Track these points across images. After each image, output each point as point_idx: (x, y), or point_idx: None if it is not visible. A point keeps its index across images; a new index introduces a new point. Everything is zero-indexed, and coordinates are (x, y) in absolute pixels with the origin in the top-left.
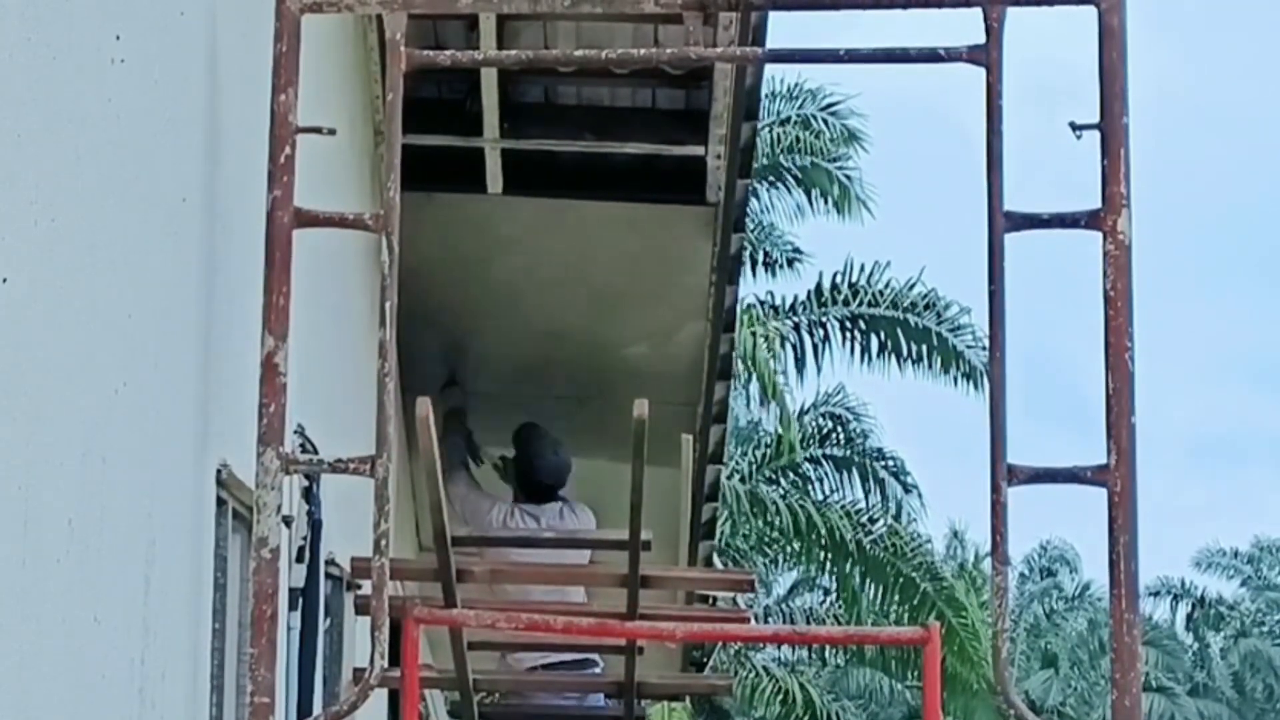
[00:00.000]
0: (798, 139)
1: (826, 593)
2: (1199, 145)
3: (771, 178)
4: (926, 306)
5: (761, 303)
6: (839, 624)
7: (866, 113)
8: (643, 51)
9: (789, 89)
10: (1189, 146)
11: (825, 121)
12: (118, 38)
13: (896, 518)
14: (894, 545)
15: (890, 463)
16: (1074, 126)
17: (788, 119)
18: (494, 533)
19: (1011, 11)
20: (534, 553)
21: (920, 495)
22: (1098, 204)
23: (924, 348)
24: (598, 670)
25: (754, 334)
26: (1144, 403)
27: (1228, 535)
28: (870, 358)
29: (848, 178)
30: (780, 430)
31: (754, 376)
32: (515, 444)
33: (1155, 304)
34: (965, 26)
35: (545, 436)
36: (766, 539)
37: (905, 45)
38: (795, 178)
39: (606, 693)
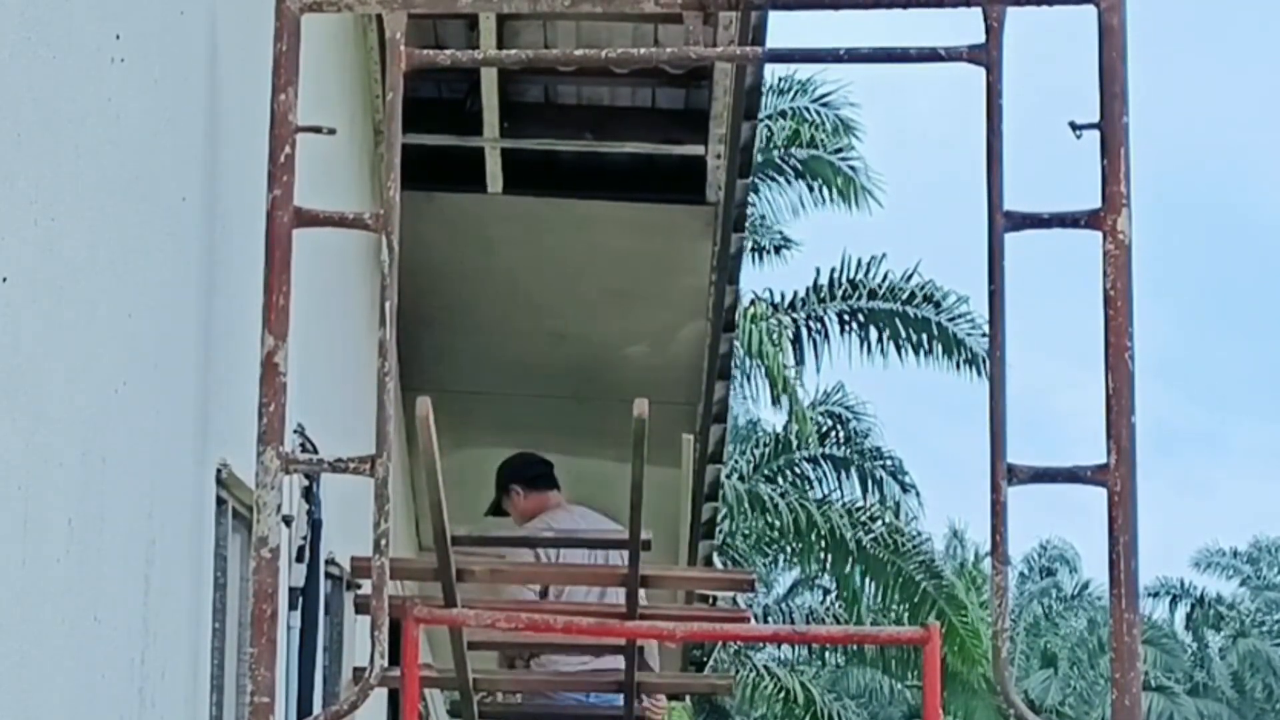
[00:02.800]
0: (796, 132)
1: (826, 592)
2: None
3: (769, 172)
4: (925, 298)
5: (760, 299)
6: (839, 623)
7: (859, 101)
8: (643, 51)
9: (779, 82)
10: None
11: (819, 113)
12: (118, 37)
13: (895, 516)
14: (894, 543)
15: (888, 462)
16: (1074, 126)
17: (781, 112)
18: (498, 533)
19: (1011, 10)
20: (571, 552)
21: (918, 495)
22: (1097, 203)
23: (923, 337)
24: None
25: (758, 329)
26: (1073, 399)
27: (1170, 528)
28: (870, 351)
29: (852, 168)
30: (786, 427)
31: (757, 373)
32: (500, 480)
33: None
34: (966, 25)
35: (516, 456)
36: (765, 538)
37: (905, 45)
38: (795, 171)
39: (607, 691)
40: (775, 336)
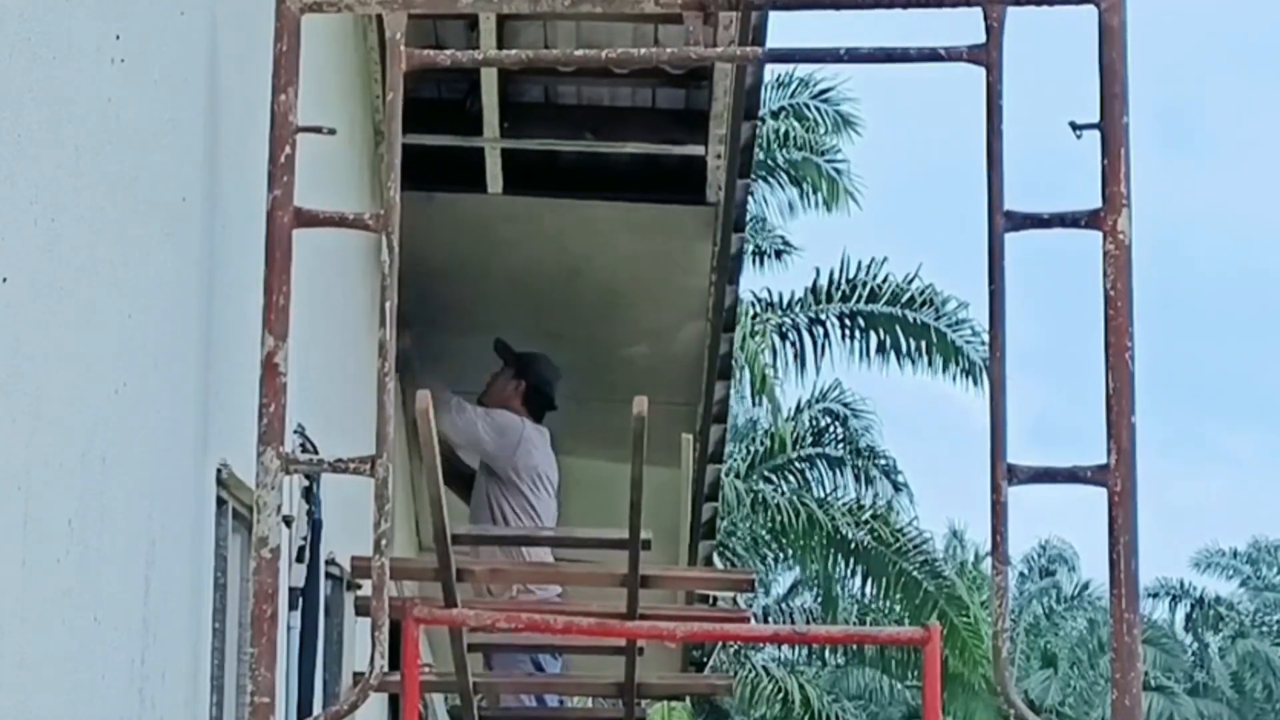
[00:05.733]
0: (787, 133)
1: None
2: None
3: (764, 173)
4: (925, 302)
5: (759, 299)
6: (838, 623)
7: (858, 96)
8: (643, 51)
9: (779, 78)
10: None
11: (819, 110)
12: (118, 38)
13: (890, 514)
14: (896, 542)
15: (882, 461)
16: (1074, 126)
17: (780, 110)
18: (497, 532)
19: (1011, 10)
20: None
21: (910, 494)
22: (1098, 203)
23: (923, 344)
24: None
25: (746, 333)
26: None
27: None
28: (869, 355)
29: (836, 170)
30: (774, 427)
31: (748, 373)
32: (514, 361)
33: None
34: (966, 25)
35: (549, 360)
36: (761, 539)
37: (905, 45)
38: (788, 174)
39: (603, 694)
40: (763, 338)
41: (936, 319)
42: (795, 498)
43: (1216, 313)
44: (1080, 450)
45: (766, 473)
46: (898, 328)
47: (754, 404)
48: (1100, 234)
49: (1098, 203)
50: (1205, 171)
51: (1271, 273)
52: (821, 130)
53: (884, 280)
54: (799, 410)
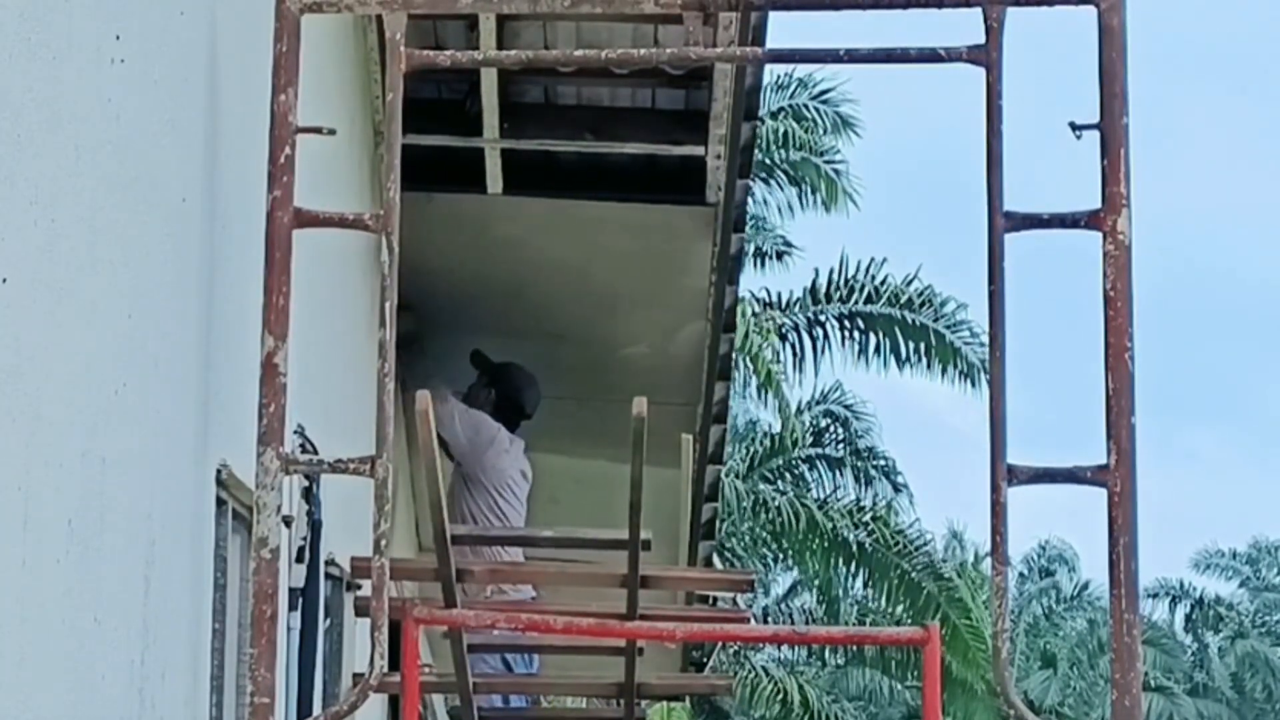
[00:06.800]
0: (787, 134)
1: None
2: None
3: (764, 174)
4: (924, 304)
5: (758, 299)
6: (838, 624)
7: (857, 97)
8: (643, 51)
9: (778, 79)
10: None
11: (818, 110)
12: (118, 38)
13: (890, 515)
14: (898, 543)
15: (881, 462)
16: (1074, 126)
17: (779, 111)
18: (497, 532)
19: (1011, 11)
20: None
21: (910, 495)
22: (1097, 204)
23: (922, 345)
24: None
25: (749, 329)
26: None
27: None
28: (868, 356)
29: (835, 171)
30: (778, 426)
31: (752, 372)
32: (487, 371)
33: None
34: (966, 26)
35: (524, 370)
36: (761, 540)
37: (905, 46)
38: (787, 175)
39: (603, 694)
40: (766, 336)
41: (935, 320)
42: (795, 498)
43: (1182, 312)
44: (1057, 448)
45: (766, 473)
46: (897, 329)
47: (759, 398)
48: (1100, 234)
49: (1095, 203)
50: (1158, 172)
51: (1221, 273)
52: (821, 131)
53: (883, 281)
54: (799, 411)
